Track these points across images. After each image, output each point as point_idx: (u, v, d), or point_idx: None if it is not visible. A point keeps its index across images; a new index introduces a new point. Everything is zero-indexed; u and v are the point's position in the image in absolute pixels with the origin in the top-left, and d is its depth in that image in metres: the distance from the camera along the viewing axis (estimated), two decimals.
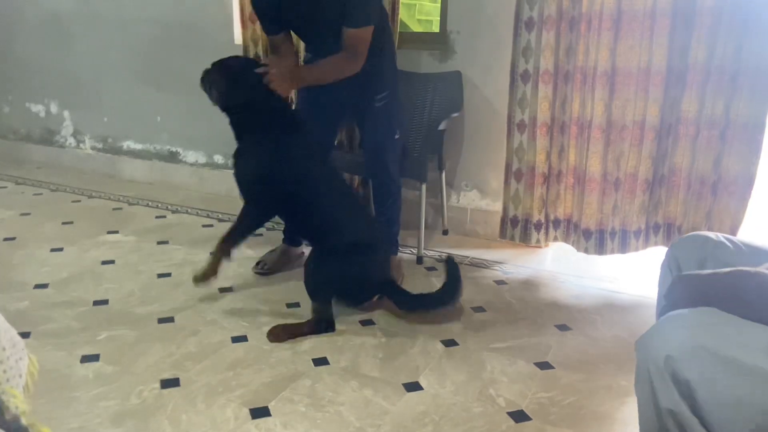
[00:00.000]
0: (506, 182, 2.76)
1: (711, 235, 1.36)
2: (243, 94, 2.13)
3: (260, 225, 2.32)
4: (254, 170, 2.19)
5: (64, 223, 3.15)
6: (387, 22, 2.50)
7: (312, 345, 2.04)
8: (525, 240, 2.78)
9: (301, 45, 2.77)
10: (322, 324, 2.11)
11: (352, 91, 2.31)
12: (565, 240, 2.73)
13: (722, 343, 0.98)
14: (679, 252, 1.38)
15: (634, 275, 2.60)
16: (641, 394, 1.07)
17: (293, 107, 2.33)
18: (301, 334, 2.07)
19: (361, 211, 2.35)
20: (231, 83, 2.12)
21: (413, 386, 1.83)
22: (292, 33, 2.43)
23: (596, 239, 2.62)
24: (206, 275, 2.22)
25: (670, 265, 1.39)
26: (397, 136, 2.50)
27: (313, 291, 2.16)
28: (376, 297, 2.26)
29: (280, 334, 2.07)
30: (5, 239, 2.92)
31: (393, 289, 2.22)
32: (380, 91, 2.41)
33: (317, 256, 2.19)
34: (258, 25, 3.12)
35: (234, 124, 2.20)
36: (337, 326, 2.14)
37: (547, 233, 2.76)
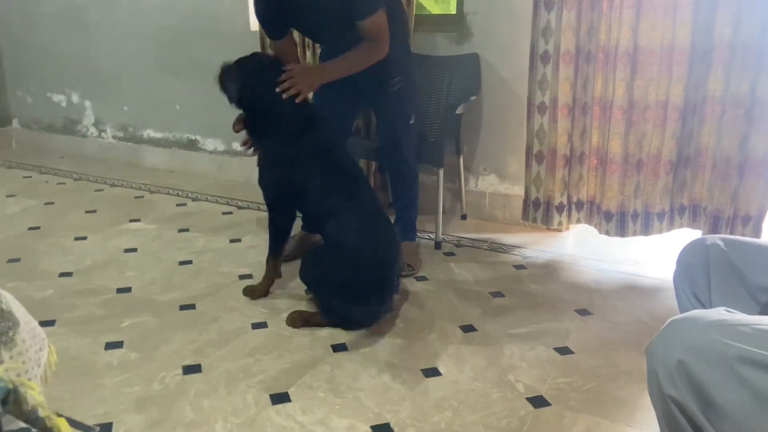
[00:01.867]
0: (527, 165, 2.73)
1: (708, 240, 1.36)
2: (258, 95, 2.09)
3: (290, 226, 2.28)
4: (276, 179, 2.17)
5: (87, 212, 3.20)
6: (399, 6, 2.47)
7: (331, 331, 2.05)
8: (547, 222, 2.75)
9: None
10: (338, 319, 2.08)
11: (366, 78, 2.30)
12: (589, 222, 2.70)
13: (736, 342, 0.96)
14: (689, 259, 1.38)
15: (657, 258, 2.57)
16: (655, 402, 1.07)
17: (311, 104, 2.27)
18: (318, 324, 2.08)
19: (378, 218, 2.18)
20: (246, 83, 2.09)
21: (432, 372, 1.83)
22: (295, 35, 2.41)
23: (617, 221, 2.58)
24: (258, 293, 2.26)
25: (683, 273, 1.39)
26: (412, 122, 2.48)
27: (308, 284, 2.17)
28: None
29: (296, 319, 2.09)
30: (30, 228, 2.97)
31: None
32: (393, 76, 2.39)
33: (320, 252, 2.17)
34: None
35: (251, 126, 2.17)
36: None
37: (570, 215, 2.73)
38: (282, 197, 2.20)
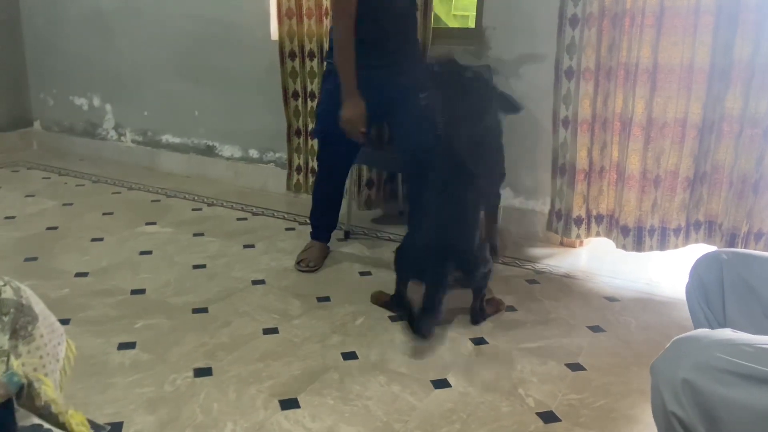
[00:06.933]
0: (553, 177, 2.74)
1: (722, 254, 1.35)
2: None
3: None
4: None
5: (104, 214, 3.24)
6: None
7: (341, 339, 2.05)
8: (566, 234, 2.75)
9: None
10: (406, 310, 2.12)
11: (400, 88, 2.35)
12: (608, 235, 2.70)
13: (740, 360, 0.96)
14: (702, 273, 1.37)
15: (671, 276, 2.55)
16: (658, 419, 1.06)
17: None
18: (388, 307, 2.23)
19: None
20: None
21: (441, 383, 1.83)
22: None
23: (634, 236, 2.58)
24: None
25: (696, 288, 1.38)
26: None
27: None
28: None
29: (378, 297, 2.28)
30: (48, 228, 3.01)
31: None
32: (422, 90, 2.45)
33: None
34: (294, 21, 3.14)
35: None
36: (366, 322, 2.15)
37: (589, 228, 2.72)
38: None
